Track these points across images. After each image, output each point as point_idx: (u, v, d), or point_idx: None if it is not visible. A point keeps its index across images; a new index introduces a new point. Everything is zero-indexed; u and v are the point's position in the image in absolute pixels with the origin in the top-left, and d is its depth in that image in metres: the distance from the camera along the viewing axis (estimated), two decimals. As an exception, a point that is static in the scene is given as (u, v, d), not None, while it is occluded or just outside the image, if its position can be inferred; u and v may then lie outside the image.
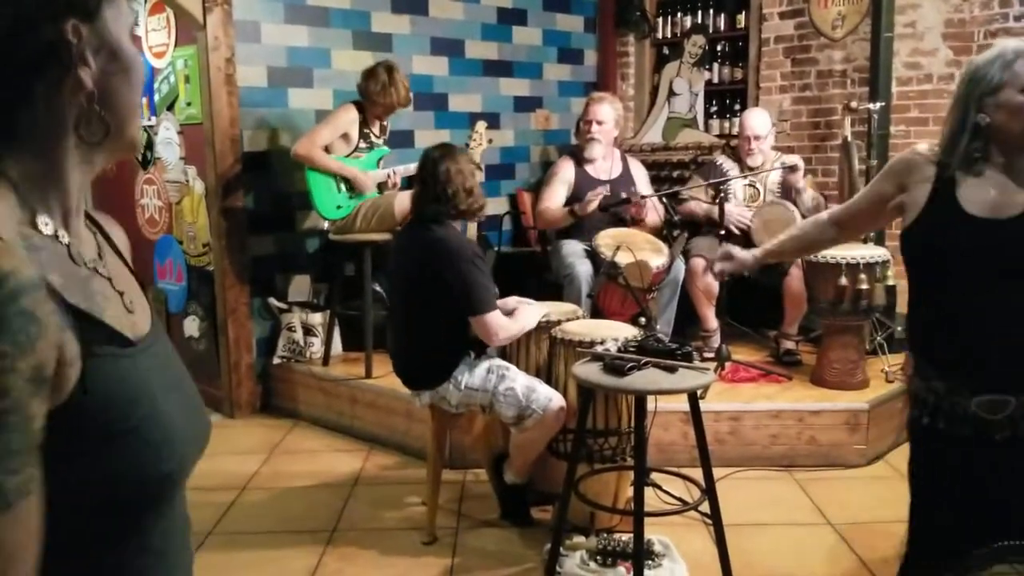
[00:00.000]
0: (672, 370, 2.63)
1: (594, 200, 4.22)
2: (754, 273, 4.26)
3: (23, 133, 0.80)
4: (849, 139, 4.26)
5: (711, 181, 4.27)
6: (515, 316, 3.09)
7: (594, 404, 2.96)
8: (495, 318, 2.95)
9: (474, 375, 3.03)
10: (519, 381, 3.02)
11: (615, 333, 2.99)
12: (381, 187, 4.40)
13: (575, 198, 4.44)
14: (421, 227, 3.07)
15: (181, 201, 4.79)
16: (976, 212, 1.78)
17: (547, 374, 3.19)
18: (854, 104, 4.40)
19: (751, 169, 4.45)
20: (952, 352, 1.83)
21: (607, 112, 4.45)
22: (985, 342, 1.79)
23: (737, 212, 4.39)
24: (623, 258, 3.74)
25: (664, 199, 4.54)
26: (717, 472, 3.52)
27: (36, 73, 0.79)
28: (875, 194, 2.04)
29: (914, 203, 1.89)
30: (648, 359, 2.64)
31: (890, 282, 3.96)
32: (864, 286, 3.77)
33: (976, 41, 4.78)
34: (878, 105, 4.31)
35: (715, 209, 4.34)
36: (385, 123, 4.46)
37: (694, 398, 2.72)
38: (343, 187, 4.28)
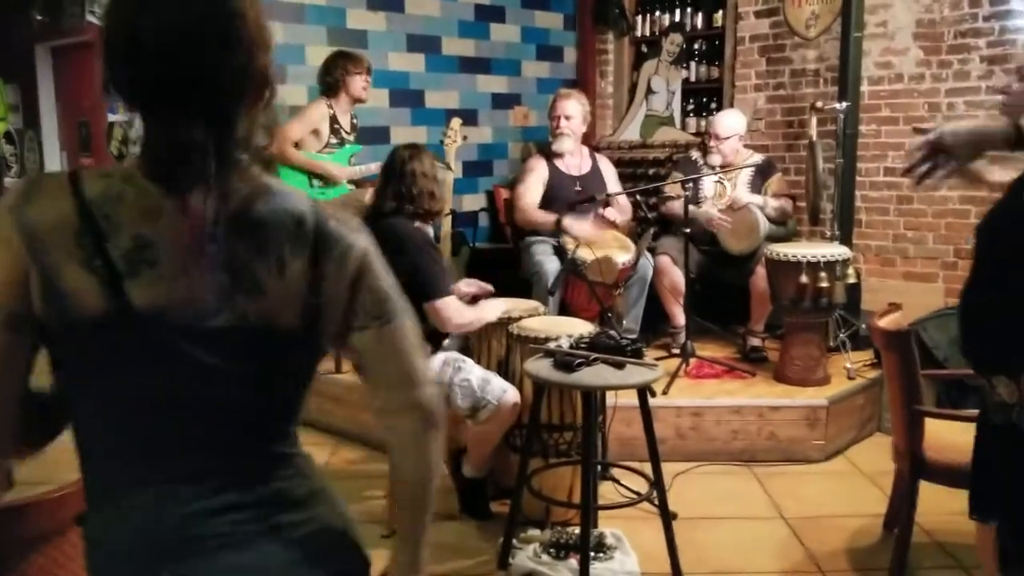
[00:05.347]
0: (620, 366, 2.68)
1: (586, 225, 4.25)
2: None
3: None
4: (815, 139, 4.29)
5: (687, 178, 4.30)
6: (477, 306, 3.14)
7: (548, 399, 3.01)
8: (449, 303, 2.97)
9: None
10: (475, 373, 3.06)
11: (570, 330, 3.04)
12: (356, 183, 4.45)
13: (549, 195, 4.47)
14: (376, 220, 3.11)
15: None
16: None
17: (505, 369, 3.24)
18: (819, 104, 4.43)
19: (711, 167, 4.49)
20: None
21: (574, 107, 4.48)
22: None
23: (717, 216, 4.42)
24: (586, 254, 3.78)
25: (637, 196, 4.58)
26: (678, 467, 3.61)
27: None
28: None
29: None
30: (597, 355, 2.69)
31: (851, 280, 4.00)
32: (824, 284, 3.82)
33: (946, 41, 4.82)
34: (844, 105, 4.35)
35: (690, 210, 4.33)
36: (355, 120, 4.50)
37: (643, 393, 2.77)
38: (315, 183, 4.32)
